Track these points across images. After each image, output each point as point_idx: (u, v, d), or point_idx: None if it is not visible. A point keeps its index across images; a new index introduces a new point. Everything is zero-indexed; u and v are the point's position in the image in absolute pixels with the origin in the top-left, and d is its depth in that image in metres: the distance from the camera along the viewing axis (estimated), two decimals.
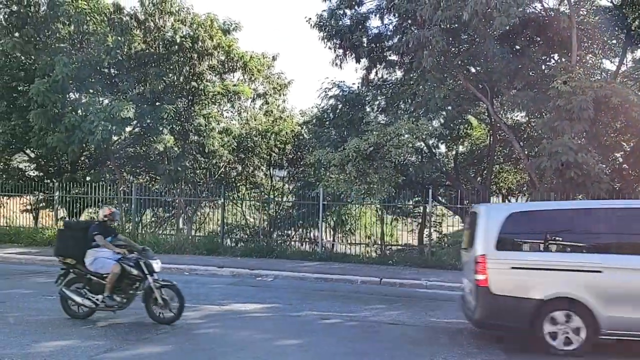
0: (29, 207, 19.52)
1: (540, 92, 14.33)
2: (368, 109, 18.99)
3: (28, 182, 18.76)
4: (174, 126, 18.69)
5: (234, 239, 18.17)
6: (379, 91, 19.33)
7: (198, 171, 20.95)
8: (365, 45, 17.19)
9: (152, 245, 15.58)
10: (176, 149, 18.78)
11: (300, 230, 19.11)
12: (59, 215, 18.21)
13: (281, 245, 16.65)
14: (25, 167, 20.68)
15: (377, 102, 19.39)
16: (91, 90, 17.65)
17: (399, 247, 18.20)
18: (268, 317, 8.57)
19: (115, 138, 18.25)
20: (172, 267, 12.99)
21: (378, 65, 18.57)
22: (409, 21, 15.77)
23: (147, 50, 18.26)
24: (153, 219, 21.05)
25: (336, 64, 17.62)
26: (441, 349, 6.75)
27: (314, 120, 20.33)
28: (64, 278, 7.78)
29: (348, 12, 17.24)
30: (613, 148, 14.31)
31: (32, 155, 20.06)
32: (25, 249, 15.55)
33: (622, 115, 12.99)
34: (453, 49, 15.59)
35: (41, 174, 20.35)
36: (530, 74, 15.30)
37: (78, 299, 7.65)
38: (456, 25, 13.97)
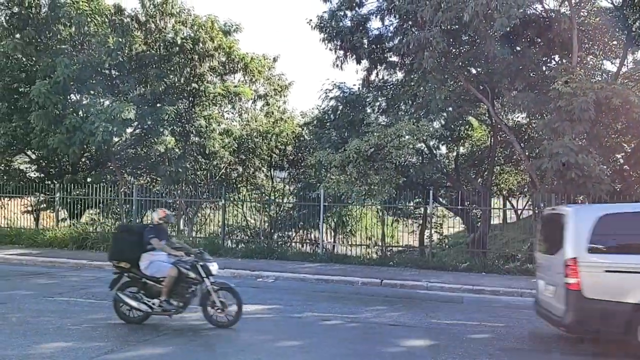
0: (29, 209, 19.54)
1: (541, 93, 14.33)
2: (369, 110, 18.99)
3: (29, 184, 18.78)
4: (175, 127, 18.72)
5: (234, 240, 18.16)
6: (379, 92, 19.33)
7: (199, 172, 20.96)
8: (365, 46, 17.19)
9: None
10: (177, 150, 18.80)
11: (301, 231, 19.10)
12: (59, 217, 18.21)
13: (282, 247, 16.64)
14: (26, 168, 20.71)
15: (378, 104, 19.39)
16: (92, 92, 17.69)
17: (400, 248, 18.20)
18: (269, 318, 8.56)
19: (116, 139, 18.27)
20: None
21: (379, 67, 18.57)
22: (410, 22, 15.77)
23: (148, 52, 18.29)
24: None
25: (337, 66, 17.66)
26: (442, 350, 6.74)
27: (315, 122, 20.35)
28: (118, 282, 7.64)
29: (349, 13, 17.26)
30: (614, 149, 14.31)
31: (33, 156, 20.10)
32: (26, 250, 15.55)
33: (623, 116, 13.00)
34: (454, 50, 15.59)
35: (42, 175, 20.39)
36: (531, 75, 15.30)
37: (134, 304, 7.49)
38: (457, 26, 13.97)
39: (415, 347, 7.07)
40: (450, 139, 19.51)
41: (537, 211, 15.02)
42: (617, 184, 14.33)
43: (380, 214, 18.09)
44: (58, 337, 6.78)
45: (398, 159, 14.36)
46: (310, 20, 17.15)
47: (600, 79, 15.36)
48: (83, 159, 20.37)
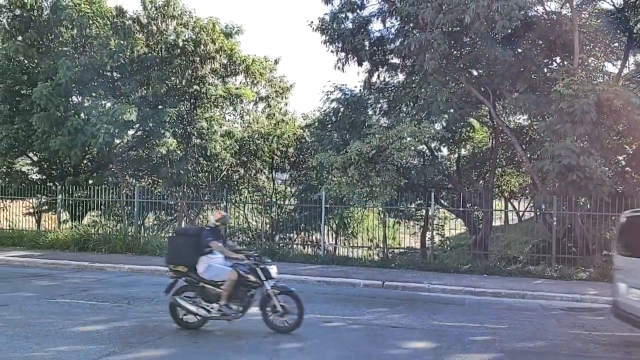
0: (31, 210, 19.57)
1: (542, 95, 14.33)
2: (370, 112, 18.99)
3: (31, 185, 18.82)
4: (177, 129, 18.74)
5: (236, 242, 18.13)
6: (381, 94, 19.34)
7: (200, 174, 20.97)
8: (367, 48, 17.22)
9: (155, 249, 15.67)
10: (178, 152, 18.82)
11: (303, 233, 19.10)
12: (61, 219, 18.24)
13: (283, 249, 16.62)
14: (28, 170, 20.75)
15: (379, 105, 19.40)
16: (94, 94, 17.70)
17: (402, 250, 18.19)
18: None
19: (117, 141, 18.30)
20: None
21: (380, 69, 18.61)
22: (411, 24, 15.80)
23: (149, 54, 18.31)
24: (155, 222, 21.07)
25: (338, 67, 17.69)
26: (444, 352, 6.74)
27: (316, 123, 20.34)
28: (173, 287, 7.49)
29: (350, 15, 17.30)
30: (615, 151, 14.29)
31: (35, 158, 20.13)
32: (28, 252, 15.57)
33: (624, 118, 13.00)
34: (455, 52, 15.61)
35: (44, 177, 20.43)
36: (533, 77, 15.30)
37: (192, 308, 7.35)
38: (458, 28, 13.99)
39: (417, 349, 7.06)
40: (451, 140, 19.50)
41: (538, 213, 15.01)
42: (619, 185, 14.33)
43: (382, 215, 18.08)
44: (60, 339, 6.79)
45: (399, 161, 14.37)
46: (312, 22, 17.22)
47: (601, 80, 15.36)
48: (85, 161, 20.40)
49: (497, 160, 19.62)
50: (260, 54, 21.15)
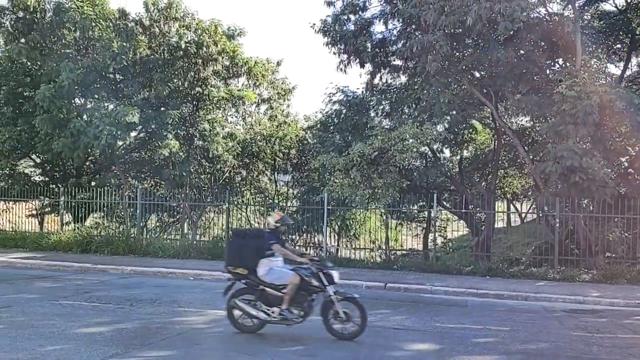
0: (34, 212, 19.63)
1: (544, 97, 14.31)
2: (372, 114, 18.98)
3: (33, 187, 18.86)
4: (179, 131, 18.77)
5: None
6: (383, 96, 19.34)
7: (203, 176, 20.98)
8: (369, 50, 17.23)
9: (157, 250, 15.69)
10: (181, 154, 18.84)
11: (305, 235, 19.09)
12: (64, 220, 18.28)
13: None
14: (31, 172, 20.80)
15: (382, 107, 19.39)
16: (96, 96, 17.75)
17: (404, 251, 18.18)
18: None
19: (120, 143, 18.34)
20: (177, 272, 13.05)
21: (382, 70, 18.60)
22: (413, 26, 15.81)
23: (152, 56, 18.36)
24: (158, 223, 21.10)
25: (340, 69, 17.72)
26: (447, 354, 6.73)
27: (318, 125, 20.34)
28: (231, 289, 7.41)
29: (352, 17, 17.31)
30: (618, 152, 14.27)
31: (38, 160, 20.18)
32: (31, 253, 15.60)
33: (627, 119, 12.99)
34: (457, 54, 15.60)
35: (46, 179, 20.49)
36: (535, 78, 15.29)
37: (252, 312, 7.24)
38: (460, 30, 14.00)
39: (420, 350, 7.06)
40: (454, 142, 19.49)
41: (541, 215, 15.00)
42: (622, 187, 14.30)
43: (384, 217, 18.05)
44: (62, 340, 6.80)
45: (402, 163, 14.35)
46: (314, 24, 17.24)
47: (604, 82, 15.31)
48: (87, 163, 20.44)
49: (500, 162, 19.58)
50: (263, 56, 21.12)
